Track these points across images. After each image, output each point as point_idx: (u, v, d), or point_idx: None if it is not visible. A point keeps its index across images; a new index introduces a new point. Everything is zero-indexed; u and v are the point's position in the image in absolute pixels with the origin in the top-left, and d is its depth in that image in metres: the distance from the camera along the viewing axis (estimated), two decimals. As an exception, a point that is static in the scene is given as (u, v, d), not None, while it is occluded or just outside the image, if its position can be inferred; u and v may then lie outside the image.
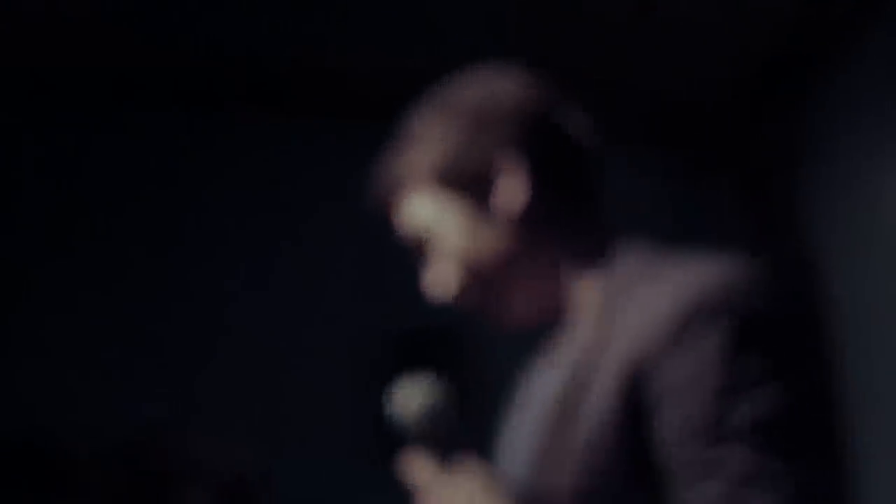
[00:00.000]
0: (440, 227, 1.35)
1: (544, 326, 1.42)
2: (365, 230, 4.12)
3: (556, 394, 1.22)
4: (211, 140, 4.31)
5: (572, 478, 1.12)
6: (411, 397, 1.23)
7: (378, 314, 4.05)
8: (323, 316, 4.15)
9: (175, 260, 4.15)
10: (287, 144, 4.38)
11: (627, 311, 1.17)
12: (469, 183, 1.33)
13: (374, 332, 4.04)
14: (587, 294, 1.31)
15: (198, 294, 4.12)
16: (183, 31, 3.94)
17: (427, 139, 1.37)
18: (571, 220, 1.36)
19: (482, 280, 1.33)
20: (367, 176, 1.47)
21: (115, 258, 4.06)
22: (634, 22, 3.93)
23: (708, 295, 1.11)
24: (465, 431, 1.24)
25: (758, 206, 4.57)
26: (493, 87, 1.39)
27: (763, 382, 1.06)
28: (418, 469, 1.21)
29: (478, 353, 3.90)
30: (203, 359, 4.01)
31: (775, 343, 1.10)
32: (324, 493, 3.80)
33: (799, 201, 4.51)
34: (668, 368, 1.08)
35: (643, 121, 4.42)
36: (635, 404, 1.10)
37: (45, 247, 3.97)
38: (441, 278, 1.36)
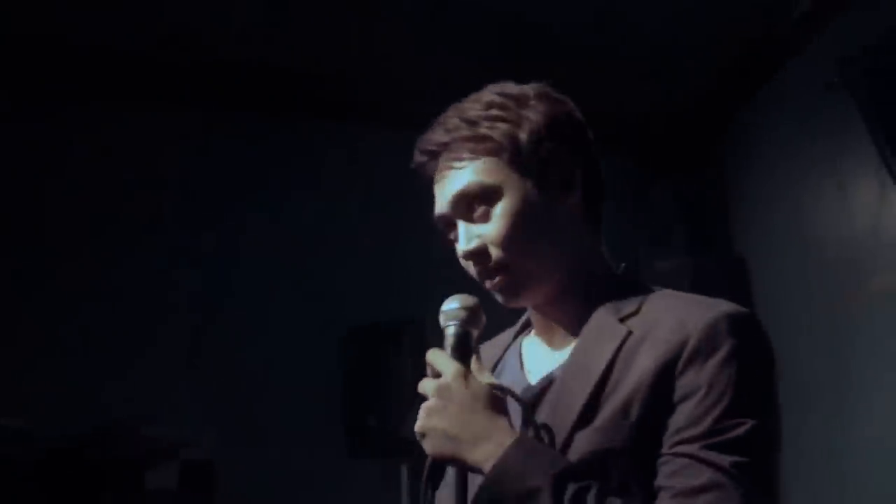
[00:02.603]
0: (506, 196, 1.49)
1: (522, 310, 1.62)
2: (325, 233, 4.31)
3: (589, 369, 1.42)
4: (175, 139, 4.31)
5: (606, 435, 1.34)
6: (456, 301, 1.48)
7: (337, 310, 4.08)
8: (286, 311, 4.22)
9: (141, 253, 4.13)
10: (242, 147, 4.41)
11: (660, 320, 1.42)
12: (547, 171, 1.51)
13: (334, 327, 4.03)
14: (589, 291, 1.53)
15: (166, 289, 4.14)
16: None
17: (521, 116, 1.52)
18: (593, 227, 1.58)
19: (527, 250, 1.49)
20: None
21: (77, 252, 4.03)
22: (590, 41, 4.25)
23: (721, 320, 1.38)
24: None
25: (694, 213, 4.86)
26: (566, 100, 1.58)
27: (756, 405, 1.33)
28: (435, 354, 1.43)
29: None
30: (171, 350, 4.04)
31: (768, 374, 1.39)
32: (288, 479, 3.89)
33: (731, 211, 4.82)
34: (690, 374, 1.34)
35: (597, 138, 4.67)
36: (664, 392, 1.34)
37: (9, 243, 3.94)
38: (479, 239, 1.50)
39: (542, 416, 1.43)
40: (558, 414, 1.40)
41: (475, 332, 1.47)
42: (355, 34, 4.07)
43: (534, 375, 1.54)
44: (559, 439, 1.37)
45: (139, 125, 4.23)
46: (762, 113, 4.56)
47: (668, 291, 1.52)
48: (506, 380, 1.51)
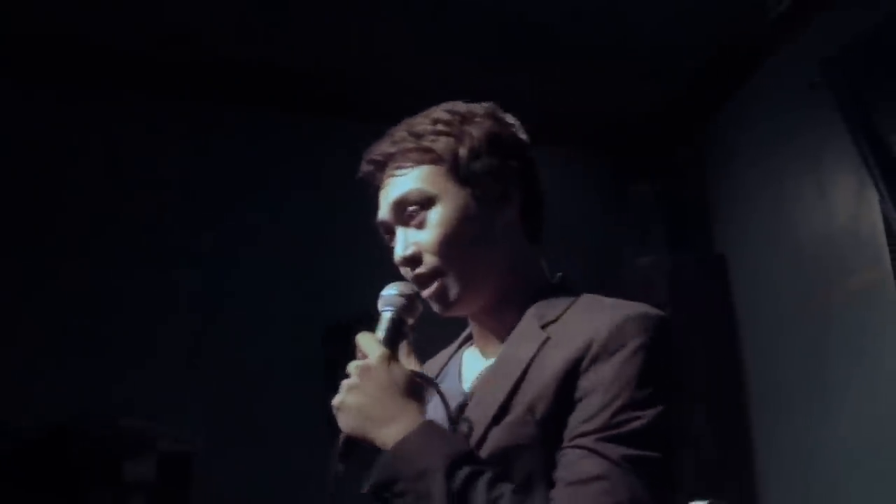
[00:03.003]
0: (441, 205, 1.55)
1: (466, 318, 1.67)
2: (325, 233, 4.32)
3: (507, 372, 1.47)
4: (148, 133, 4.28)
5: (513, 432, 1.39)
6: (395, 287, 1.55)
7: (337, 310, 4.02)
8: (286, 311, 4.22)
9: (128, 249, 4.12)
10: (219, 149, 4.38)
11: (575, 325, 1.47)
12: (484, 184, 1.56)
13: (310, 324, 4.11)
14: (524, 302, 1.58)
15: (167, 290, 4.14)
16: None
17: (464, 131, 1.58)
18: (532, 239, 1.64)
19: (460, 257, 1.54)
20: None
21: (77, 252, 4.02)
22: (570, 42, 4.30)
23: (629, 320, 1.42)
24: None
25: (674, 211, 4.93)
26: (511, 120, 1.65)
27: (655, 401, 1.36)
28: (364, 337, 1.49)
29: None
30: (171, 350, 4.04)
31: (670, 373, 1.40)
32: (274, 475, 3.90)
33: (711, 209, 4.88)
34: (593, 372, 1.38)
35: (579, 137, 4.75)
36: (567, 391, 1.39)
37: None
38: (415, 246, 1.56)
39: (468, 415, 1.48)
40: (478, 412, 1.45)
41: (410, 321, 1.54)
42: (355, 34, 4.09)
43: (468, 383, 1.60)
44: (476, 435, 1.42)
45: (139, 124, 4.22)
46: (743, 111, 4.61)
47: (595, 297, 1.56)
48: (444, 387, 1.55)
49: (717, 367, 4.47)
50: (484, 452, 1.39)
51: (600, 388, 1.36)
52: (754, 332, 4.45)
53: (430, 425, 1.40)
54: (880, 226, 3.68)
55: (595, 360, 1.39)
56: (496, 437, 1.41)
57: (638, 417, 1.33)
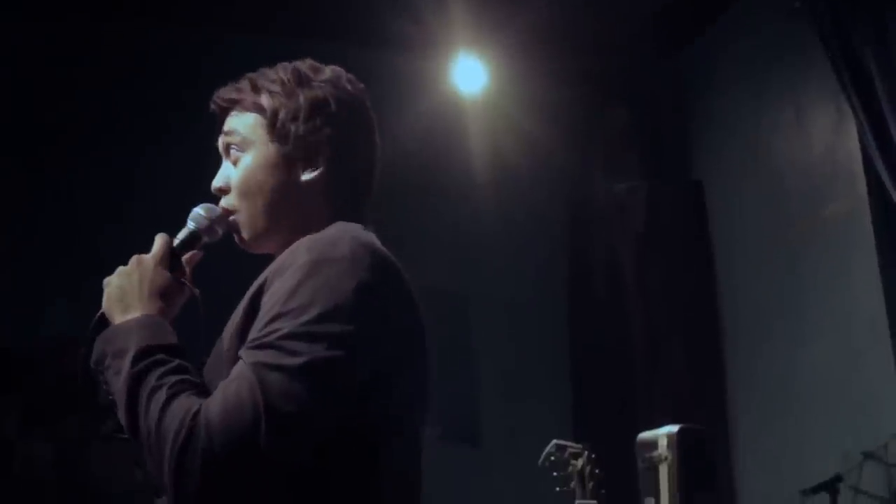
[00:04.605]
0: (252, 151, 1.67)
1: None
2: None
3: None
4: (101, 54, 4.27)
5: (217, 349, 1.54)
6: (203, 209, 1.71)
7: None
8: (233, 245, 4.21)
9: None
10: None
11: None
12: (293, 144, 1.66)
13: None
14: None
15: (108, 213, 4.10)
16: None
17: (294, 93, 1.68)
18: (339, 202, 1.69)
19: (251, 201, 1.67)
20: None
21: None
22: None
23: (304, 243, 1.50)
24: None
25: (651, 137, 4.91)
26: (341, 84, 1.71)
27: (302, 313, 1.41)
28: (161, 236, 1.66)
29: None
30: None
31: (333, 287, 1.45)
32: None
33: (689, 135, 4.86)
34: (267, 293, 1.47)
35: (555, 60, 4.69)
36: (252, 312, 1.48)
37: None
38: (225, 181, 1.70)
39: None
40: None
41: (206, 239, 1.71)
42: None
43: None
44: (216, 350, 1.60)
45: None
46: (723, 36, 4.58)
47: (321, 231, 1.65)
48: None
49: (693, 292, 4.50)
50: (208, 366, 1.56)
51: (265, 305, 1.46)
52: (730, 258, 4.47)
53: (148, 318, 1.54)
54: (857, 154, 3.70)
55: (271, 282, 1.49)
56: (212, 354, 1.57)
57: (280, 328, 1.40)
